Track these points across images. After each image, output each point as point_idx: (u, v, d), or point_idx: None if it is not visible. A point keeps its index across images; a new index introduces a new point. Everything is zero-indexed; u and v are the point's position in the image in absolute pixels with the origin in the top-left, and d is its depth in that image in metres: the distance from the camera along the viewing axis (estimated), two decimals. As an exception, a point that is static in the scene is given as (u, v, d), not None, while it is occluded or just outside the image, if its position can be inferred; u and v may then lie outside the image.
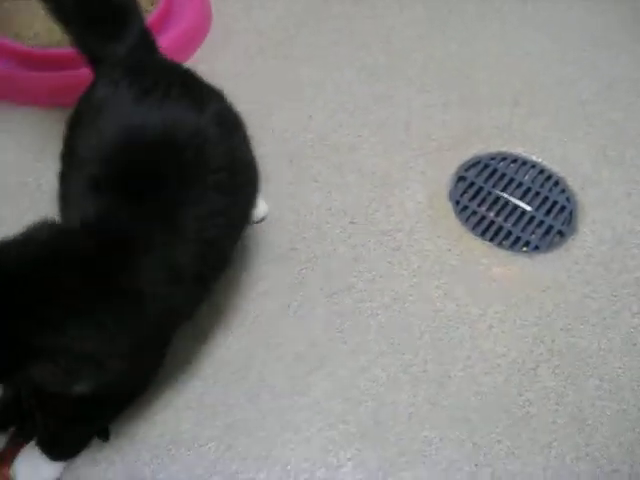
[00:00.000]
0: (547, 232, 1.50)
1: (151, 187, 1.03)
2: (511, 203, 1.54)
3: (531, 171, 1.61)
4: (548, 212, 1.53)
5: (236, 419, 1.22)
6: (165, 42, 1.61)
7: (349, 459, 1.18)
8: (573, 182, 1.57)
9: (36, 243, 0.96)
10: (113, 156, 1.05)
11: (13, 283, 0.89)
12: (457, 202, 1.54)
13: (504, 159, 1.63)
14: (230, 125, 1.16)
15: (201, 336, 1.30)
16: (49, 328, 0.90)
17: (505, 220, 1.51)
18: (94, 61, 1.22)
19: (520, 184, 1.58)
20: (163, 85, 1.11)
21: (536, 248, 1.47)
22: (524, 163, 1.62)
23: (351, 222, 1.49)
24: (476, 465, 1.17)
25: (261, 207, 1.43)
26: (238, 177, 1.13)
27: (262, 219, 1.45)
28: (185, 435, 1.20)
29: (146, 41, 1.25)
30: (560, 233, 1.50)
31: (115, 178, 1.03)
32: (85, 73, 1.27)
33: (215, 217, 1.07)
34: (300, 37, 1.89)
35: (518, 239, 1.49)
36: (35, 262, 0.93)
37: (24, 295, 0.89)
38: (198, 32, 1.92)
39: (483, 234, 1.48)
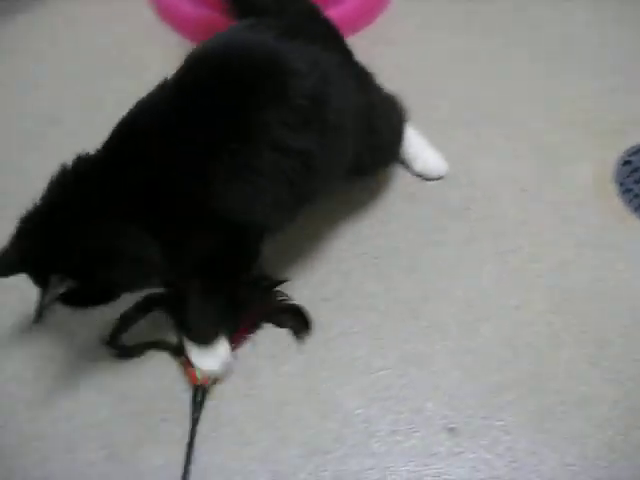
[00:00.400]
0: None
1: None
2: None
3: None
4: None
5: (408, 352, 1.34)
6: (348, 6, 1.85)
7: (509, 402, 1.28)
8: None
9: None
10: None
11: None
12: (621, 184, 1.61)
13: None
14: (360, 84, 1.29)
15: (384, 277, 1.44)
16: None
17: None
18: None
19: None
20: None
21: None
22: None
23: (521, 190, 1.58)
24: (626, 427, 1.25)
25: (440, 165, 1.57)
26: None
27: (440, 177, 1.58)
28: (359, 361, 1.35)
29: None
30: None
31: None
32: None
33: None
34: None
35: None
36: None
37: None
38: (374, 5, 2.02)
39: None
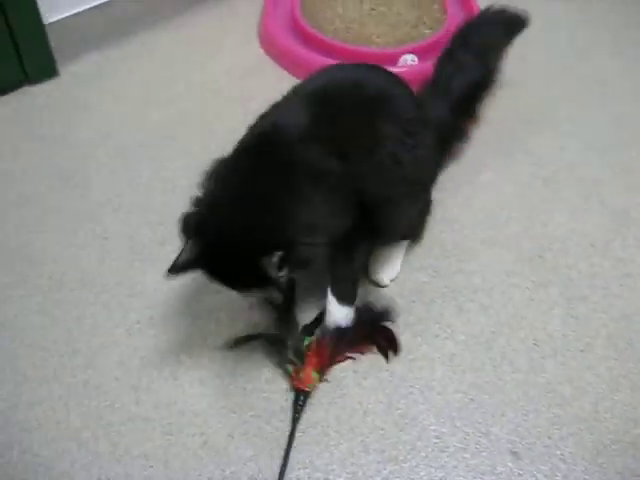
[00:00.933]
0: None
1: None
2: None
3: None
4: None
5: (480, 380, 1.49)
6: None
7: (569, 435, 1.43)
8: None
9: None
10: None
11: None
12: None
13: None
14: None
15: (462, 311, 1.63)
16: None
17: None
18: None
19: None
20: None
21: None
22: None
23: (591, 245, 1.73)
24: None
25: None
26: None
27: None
28: (435, 383, 1.50)
29: None
30: None
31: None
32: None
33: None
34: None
35: None
36: None
37: None
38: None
39: None
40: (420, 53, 2.08)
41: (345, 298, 1.43)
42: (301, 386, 1.41)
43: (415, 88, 1.69)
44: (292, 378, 1.42)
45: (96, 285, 1.63)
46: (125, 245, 1.71)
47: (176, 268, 1.21)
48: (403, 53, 2.09)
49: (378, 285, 1.60)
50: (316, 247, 1.25)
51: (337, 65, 1.55)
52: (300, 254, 1.21)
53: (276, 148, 1.28)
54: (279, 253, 1.17)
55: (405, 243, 1.61)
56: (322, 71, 1.46)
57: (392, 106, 1.39)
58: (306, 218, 1.23)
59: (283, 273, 1.23)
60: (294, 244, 1.18)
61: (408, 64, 2.08)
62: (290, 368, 1.43)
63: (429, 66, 1.85)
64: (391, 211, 1.41)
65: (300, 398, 1.40)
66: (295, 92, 1.40)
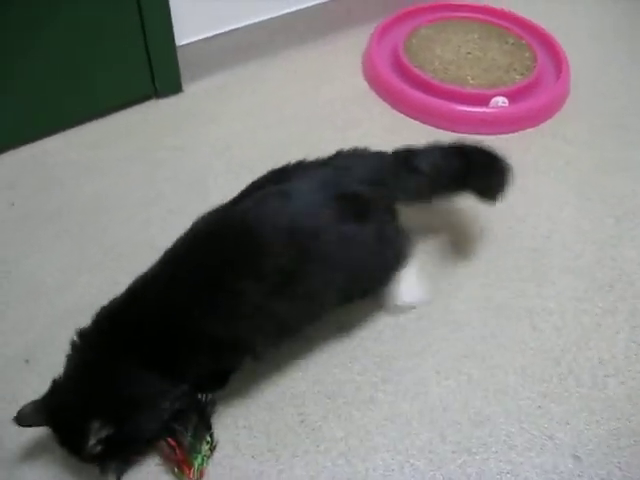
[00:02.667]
0: None
1: None
2: None
3: None
4: None
5: (549, 391, 1.71)
6: (527, 106, 2.27)
7: (627, 445, 1.61)
8: None
9: None
10: None
11: None
12: None
13: None
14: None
15: (537, 330, 1.83)
16: None
17: None
18: None
19: None
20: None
21: None
22: None
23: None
24: None
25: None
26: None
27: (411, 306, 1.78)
28: (509, 389, 1.70)
29: None
30: None
31: None
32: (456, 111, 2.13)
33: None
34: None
35: None
36: None
37: None
38: (555, 104, 2.40)
39: None
40: (510, 96, 2.29)
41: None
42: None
43: (502, 129, 2.00)
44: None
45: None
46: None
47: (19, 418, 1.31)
48: (495, 95, 2.29)
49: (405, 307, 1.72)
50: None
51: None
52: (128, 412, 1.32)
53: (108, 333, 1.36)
54: (98, 425, 1.26)
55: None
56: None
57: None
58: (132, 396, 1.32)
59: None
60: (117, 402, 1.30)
61: (499, 105, 2.28)
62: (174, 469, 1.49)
63: (518, 108, 2.12)
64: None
65: None
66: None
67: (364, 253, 1.45)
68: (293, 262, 1.34)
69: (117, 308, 1.34)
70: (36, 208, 2.13)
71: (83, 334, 1.34)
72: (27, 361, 1.72)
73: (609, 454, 1.54)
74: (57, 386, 1.31)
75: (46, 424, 1.30)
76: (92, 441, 1.24)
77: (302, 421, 1.59)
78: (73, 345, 1.34)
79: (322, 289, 1.41)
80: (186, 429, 1.42)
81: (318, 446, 1.55)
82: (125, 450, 1.33)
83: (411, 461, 1.53)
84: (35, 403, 1.29)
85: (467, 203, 1.87)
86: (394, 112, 2.35)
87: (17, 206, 2.14)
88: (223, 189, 1.85)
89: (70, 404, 1.27)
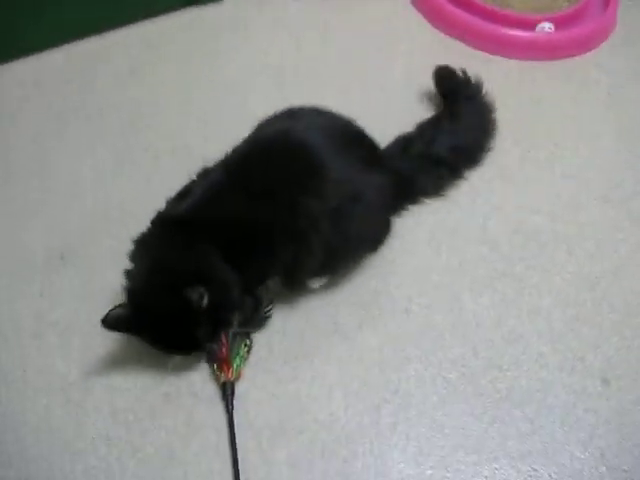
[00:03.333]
0: None
1: None
2: None
3: None
4: None
5: (579, 314, 1.72)
6: (573, 34, 2.22)
7: None
8: None
9: None
10: None
11: None
12: None
13: None
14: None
15: (571, 252, 1.84)
16: None
17: None
18: None
19: None
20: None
21: None
22: None
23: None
24: None
25: None
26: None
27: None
28: (542, 310, 1.72)
29: None
30: None
31: None
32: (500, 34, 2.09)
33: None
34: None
35: None
36: None
37: None
38: (601, 34, 2.36)
39: None
40: (557, 23, 2.25)
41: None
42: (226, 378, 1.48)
43: (545, 56, 1.98)
44: (216, 377, 1.51)
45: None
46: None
47: (107, 322, 1.31)
48: (541, 20, 2.25)
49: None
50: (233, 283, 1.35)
51: (285, 116, 1.56)
52: (221, 288, 1.33)
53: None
54: (201, 290, 1.26)
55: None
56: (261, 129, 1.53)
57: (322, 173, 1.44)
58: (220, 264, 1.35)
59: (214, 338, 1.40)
60: (211, 276, 1.32)
61: (545, 31, 2.24)
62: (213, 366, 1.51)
63: (564, 35, 2.10)
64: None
65: (227, 388, 1.48)
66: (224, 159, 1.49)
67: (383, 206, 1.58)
68: (347, 198, 1.44)
69: (189, 208, 1.40)
70: (75, 108, 2.15)
71: (152, 234, 1.41)
72: (62, 257, 1.75)
73: (637, 380, 1.55)
74: (136, 285, 1.34)
75: (137, 322, 1.33)
76: (199, 302, 1.27)
77: (336, 330, 1.61)
78: (142, 244, 1.39)
79: (358, 233, 1.51)
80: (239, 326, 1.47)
81: (351, 354, 1.57)
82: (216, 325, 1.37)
83: (443, 374, 1.55)
84: (123, 305, 1.30)
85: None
86: (434, 31, 2.31)
87: (56, 105, 2.15)
88: (262, 100, 1.89)
89: (164, 284, 1.29)
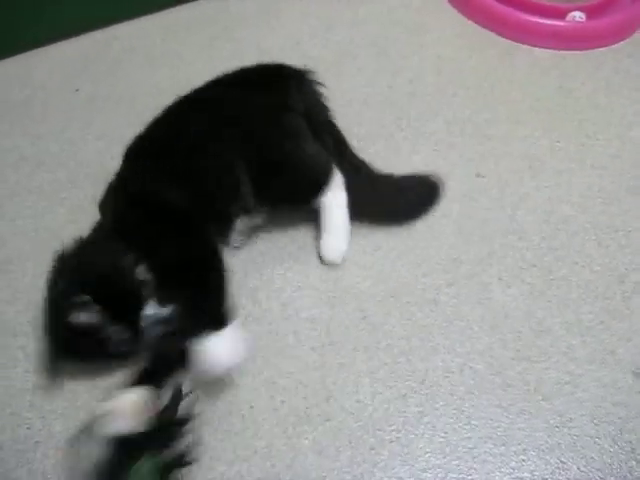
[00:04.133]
0: None
1: None
2: None
3: None
4: None
5: (609, 307, 1.69)
6: (604, 23, 2.21)
7: None
8: None
9: None
10: None
11: None
12: None
13: None
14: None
15: (600, 243, 1.81)
16: None
17: None
18: None
19: None
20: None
21: None
22: None
23: None
24: None
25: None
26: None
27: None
28: (570, 302, 1.70)
29: None
30: None
31: None
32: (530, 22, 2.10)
33: None
34: None
35: None
36: None
37: None
38: (632, 24, 2.32)
39: None
40: (588, 12, 2.22)
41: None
42: None
43: (576, 45, 1.99)
44: None
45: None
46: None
47: None
48: (572, 9, 2.23)
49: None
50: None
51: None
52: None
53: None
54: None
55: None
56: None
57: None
58: None
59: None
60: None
61: (576, 20, 2.22)
62: None
63: (595, 24, 2.09)
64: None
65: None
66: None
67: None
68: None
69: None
70: (101, 94, 2.17)
71: None
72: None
73: (669, 374, 1.46)
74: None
75: None
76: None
77: (364, 317, 1.61)
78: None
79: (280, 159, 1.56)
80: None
81: (379, 343, 1.57)
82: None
83: (470, 364, 1.54)
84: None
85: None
86: (464, 19, 2.30)
87: (82, 91, 2.18)
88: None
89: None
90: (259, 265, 1.72)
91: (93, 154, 2.02)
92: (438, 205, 1.79)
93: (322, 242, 1.63)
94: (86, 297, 1.36)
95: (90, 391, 1.54)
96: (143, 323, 1.44)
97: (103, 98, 2.16)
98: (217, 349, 1.34)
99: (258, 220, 1.69)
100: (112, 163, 1.76)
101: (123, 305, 1.42)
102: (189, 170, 1.47)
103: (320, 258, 1.66)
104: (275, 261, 1.73)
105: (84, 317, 1.37)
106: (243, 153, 1.47)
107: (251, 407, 1.49)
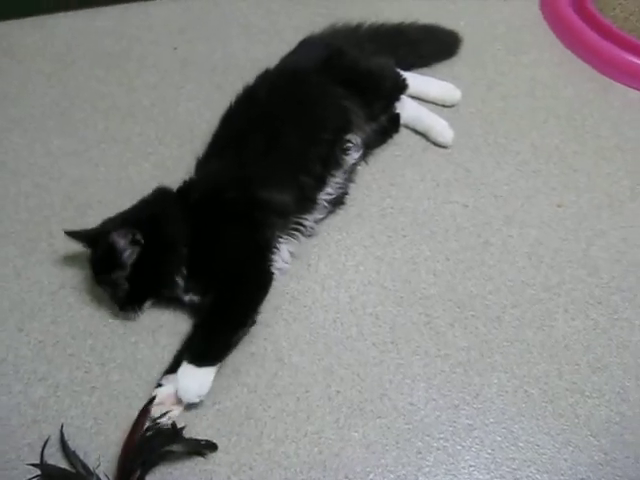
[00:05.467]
0: None
1: None
2: None
3: None
4: None
5: None
6: None
7: None
8: None
9: None
10: None
11: None
12: None
13: None
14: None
15: None
16: None
17: None
18: None
19: None
20: None
21: None
22: None
23: None
24: None
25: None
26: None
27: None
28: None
29: None
30: None
31: None
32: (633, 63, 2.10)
33: None
34: None
35: None
36: None
37: None
38: None
39: None
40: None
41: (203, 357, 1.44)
42: None
43: None
44: None
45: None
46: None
47: None
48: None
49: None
50: None
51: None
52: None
53: None
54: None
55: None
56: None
57: None
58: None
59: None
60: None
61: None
62: None
63: None
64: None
65: None
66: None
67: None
68: None
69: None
70: (197, 58, 2.21)
71: None
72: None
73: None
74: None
75: None
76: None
77: (428, 322, 1.63)
78: None
79: None
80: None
81: (439, 350, 1.58)
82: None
83: (525, 388, 1.55)
84: None
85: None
86: (562, 46, 2.29)
87: (180, 51, 2.21)
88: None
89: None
90: (332, 253, 1.75)
91: (183, 114, 2.04)
92: (514, 226, 1.81)
93: (434, 131, 1.95)
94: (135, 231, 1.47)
95: (152, 347, 1.58)
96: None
97: (199, 62, 2.19)
98: (186, 381, 1.42)
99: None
100: (201, 127, 1.83)
101: (158, 262, 1.52)
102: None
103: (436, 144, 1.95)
104: (349, 252, 1.75)
105: (123, 243, 1.47)
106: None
107: (307, 391, 1.51)
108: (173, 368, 1.44)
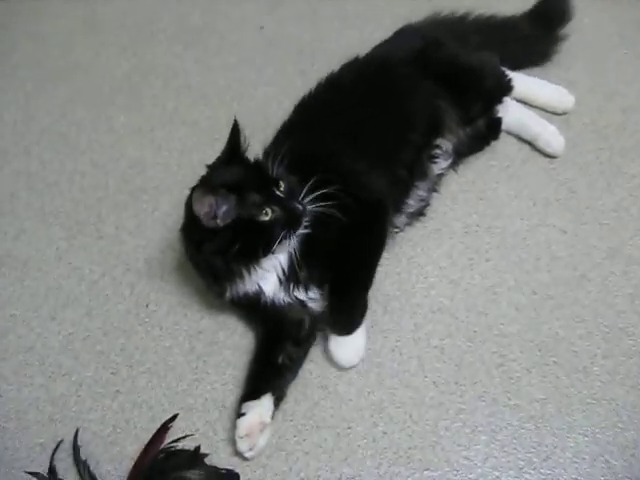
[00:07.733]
0: None
1: None
2: None
3: None
4: None
5: None
6: None
7: None
8: None
9: None
10: None
11: None
12: None
13: None
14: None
15: None
16: None
17: None
18: None
19: None
20: None
21: None
22: None
23: None
24: None
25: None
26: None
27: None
28: None
29: None
30: None
31: None
32: None
33: None
34: None
35: None
36: None
37: None
38: None
39: None
40: None
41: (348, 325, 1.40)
42: None
43: None
44: None
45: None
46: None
47: None
48: None
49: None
50: None
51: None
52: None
53: None
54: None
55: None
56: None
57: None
58: None
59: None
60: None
61: None
62: None
63: None
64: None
65: None
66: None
67: None
68: None
69: None
70: (284, 39, 2.10)
71: None
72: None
73: None
74: None
75: None
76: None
77: (501, 364, 1.42)
78: None
79: None
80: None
81: (509, 399, 1.38)
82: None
83: (607, 457, 1.31)
84: None
85: None
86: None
87: (266, 30, 2.12)
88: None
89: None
90: (402, 271, 1.56)
91: (260, 99, 1.93)
92: (619, 261, 1.55)
93: (542, 138, 1.75)
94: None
95: (186, 355, 1.47)
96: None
97: (285, 44, 2.07)
98: (342, 351, 1.39)
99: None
100: (277, 114, 1.69)
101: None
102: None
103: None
104: (421, 271, 1.57)
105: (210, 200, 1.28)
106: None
107: (349, 428, 1.35)
108: (250, 395, 1.34)
